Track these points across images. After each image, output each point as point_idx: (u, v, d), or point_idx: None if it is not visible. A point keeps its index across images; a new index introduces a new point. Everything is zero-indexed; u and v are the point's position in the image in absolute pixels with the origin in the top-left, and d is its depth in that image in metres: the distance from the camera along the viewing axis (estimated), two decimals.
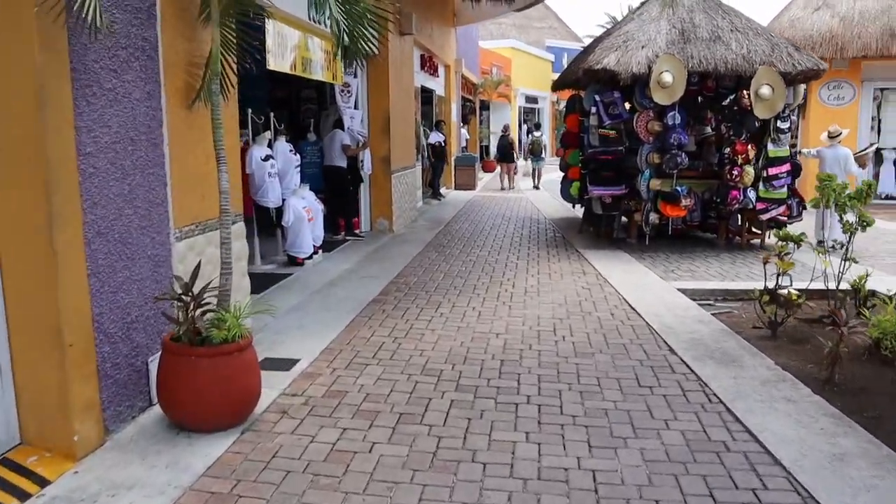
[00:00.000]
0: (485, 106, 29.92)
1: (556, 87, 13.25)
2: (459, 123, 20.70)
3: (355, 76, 10.55)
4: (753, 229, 10.81)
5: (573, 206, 13.12)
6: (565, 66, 40.09)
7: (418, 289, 7.54)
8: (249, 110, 8.25)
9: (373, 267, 8.65)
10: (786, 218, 10.38)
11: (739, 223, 10.58)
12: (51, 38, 3.38)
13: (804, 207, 10.53)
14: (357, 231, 10.71)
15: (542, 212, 14.44)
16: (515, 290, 7.56)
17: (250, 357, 4.15)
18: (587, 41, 44.76)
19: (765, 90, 9.59)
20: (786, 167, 10.26)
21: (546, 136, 38.37)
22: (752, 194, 10.06)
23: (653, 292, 7.44)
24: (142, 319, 4.18)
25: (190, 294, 3.98)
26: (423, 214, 13.76)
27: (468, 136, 22.29)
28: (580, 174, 11.36)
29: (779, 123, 10.08)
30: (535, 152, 20.55)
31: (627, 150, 10.08)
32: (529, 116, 37.88)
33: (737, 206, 10.05)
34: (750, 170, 9.98)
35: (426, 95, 17.07)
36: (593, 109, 9.83)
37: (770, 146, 10.20)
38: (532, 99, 36.66)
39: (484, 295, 7.31)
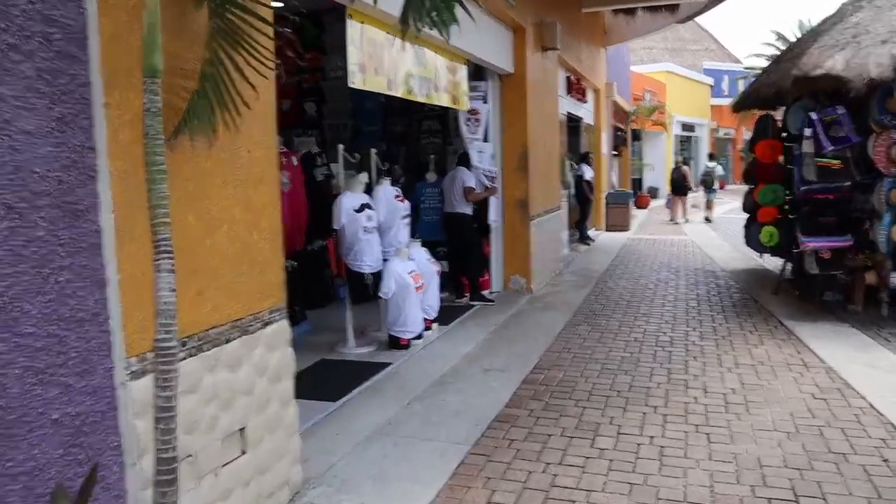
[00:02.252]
0: (637, 136, 27.15)
1: (740, 106, 10.57)
2: (610, 155, 18.20)
3: (485, 101, 8.50)
4: None
5: (759, 256, 10.34)
6: (725, 89, 36.71)
7: (564, 395, 5.22)
8: (340, 146, 6.35)
9: (502, 351, 6.43)
10: None
11: None
12: None
13: None
14: (485, 293, 8.56)
15: (715, 261, 11.67)
16: (710, 399, 5.08)
17: None
18: (750, 62, 40.95)
19: None
20: None
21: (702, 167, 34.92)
22: None
23: None
24: None
25: None
26: (568, 265, 11.41)
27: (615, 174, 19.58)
28: (780, 218, 8.70)
29: None
30: (708, 184, 19.22)
31: (855, 186, 7.33)
32: (686, 146, 34.62)
33: None
34: None
35: (572, 125, 14.79)
36: (808, 132, 7.17)
37: None
38: (689, 127, 33.41)
39: (664, 410, 4.88)
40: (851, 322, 7.25)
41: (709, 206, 19.11)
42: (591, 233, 15.30)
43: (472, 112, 8.29)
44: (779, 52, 32.06)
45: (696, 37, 43.00)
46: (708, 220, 18.68)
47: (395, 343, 6.39)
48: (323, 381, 5.57)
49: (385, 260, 6.43)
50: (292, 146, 7.39)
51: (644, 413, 4.81)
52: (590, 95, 15.46)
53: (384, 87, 5.50)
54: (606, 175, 17.26)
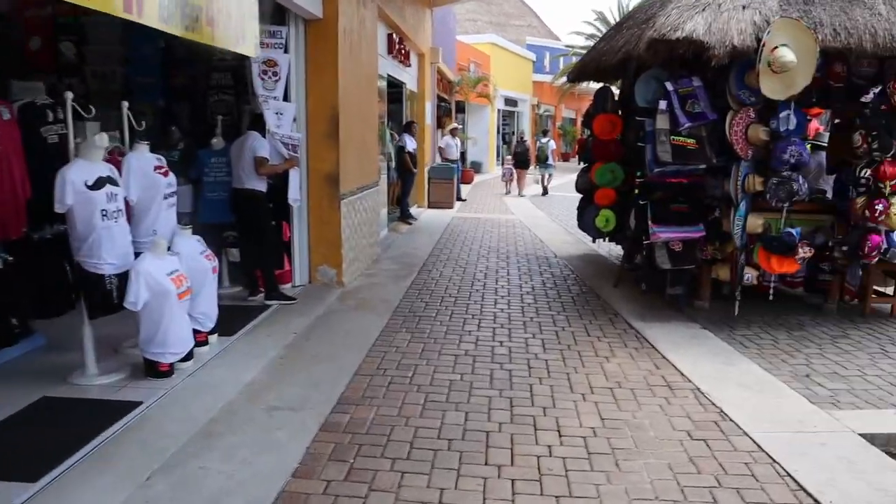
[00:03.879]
0: (460, 108, 26.26)
1: (577, 76, 9.63)
2: (434, 126, 16.99)
3: (285, 50, 6.81)
4: (877, 288, 7.34)
5: (593, 241, 9.52)
6: (547, 66, 36.86)
7: (376, 450, 3.76)
8: (69, 95, 4.44)
9: (298, 376, 4.88)
10: None
11: (860, 279, 7.01)
12: None
13: None
14: (285, 289, 6.95)
15: (546, 245, 10.76)
16: (568, 448, 3.86)
17: None
18: (573, 40, 41.53)
19: None
20: None
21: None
22: None
23: (833, 451, 3.83)
24: None
25: None
26: (387, 249, 10.02)
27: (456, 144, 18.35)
28: (618, 201, 7.86)
29: None
30: (542, 159, 20.21)
31: (708, 170, 6.48)
32: (508, 121, 34.44)
33: (876, 257, 6.51)
34: None
35: (395, 90, 13.36)
36: (662, 105, 6.17)
37: None
38: (512, 101, 33.15)
39: (511, 472, 3.56)
40: (702, 322, 6.44)
41: (545, 180, 20.25)
42: (413, 210, 14.03)
43: (269, 63, 6.58)
44: (599, 33, 32.64)
45: (520, 12, 43.03)
46: (545, 192, 19.70)
47: (153, 369, 4.65)
48: (29, 440, 3.77)
49: (138, 255, 4.67)
50: (7, 94, 5.35)
51: (485, 479, 3.49)
52: (414, 60, 14.08)
53: (157, 22, 3.66)
54: (430, 147, 16.03)
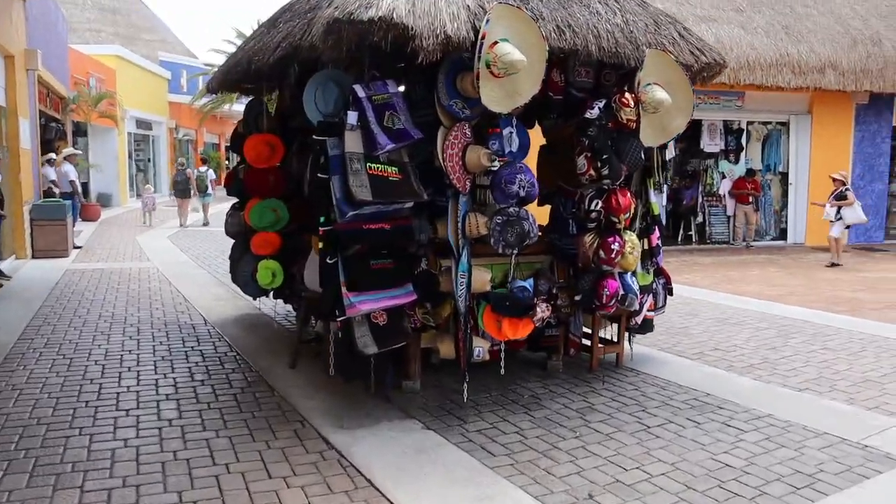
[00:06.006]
0: (81, 130, 22.03)
1: (219, 85, 7.36)
2: (36, 152, 13.24)
3: None
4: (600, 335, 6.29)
5: (255, 299, 7.37)
6: (185, 86, 33.38)
7: None
8: None
9: None
10: (652, 312, 6.04)
11: (582, 327, 5.86)
12: None
13: (671, 292, 6.29)
14: None
15: (193, 304, 8.23)
16: None
17: None
18: (212, 58, 38.45)
19: (660, 94, 5.06)
20: (656, 231, 5.91)
21: (164, 170, 31.19)
22: (633, 283, 5.45)
23: None
24: None
25: None
26: None
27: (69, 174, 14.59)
28: (285, 247, 5.94)
29: (666, 155, 5.71)
30: (201, 189, 19.25)
31: (415, 209, 4.73)
32: (142, 145, 30.41)
33: (615, 306, 5.35)
34: (636, 241, 5.36)
35: None
36: (352, 118, 4.24)
37: (652, 195, 5.77)
38: (145, 124, 29.23)
39: None
40: (421, 415, 4.67)
41: (204, 209, 19.43)
42: (6, 264, 10.40)
43: None
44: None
45: (151, 25, 38.85)
46: (206, 223, 18.80)
47: None
48: None
49: None
50: None
51: None
52: None
53: None
54: (31, 178, 12.33)
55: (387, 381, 4.97)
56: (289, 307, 7.56)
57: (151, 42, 36.82)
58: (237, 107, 30.72)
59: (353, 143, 4.19)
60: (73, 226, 13.73)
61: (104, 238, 15.07)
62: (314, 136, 4.30)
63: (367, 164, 4.18)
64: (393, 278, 4.49)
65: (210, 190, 19.65)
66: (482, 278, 4.65)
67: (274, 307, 7.89)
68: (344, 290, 4.21)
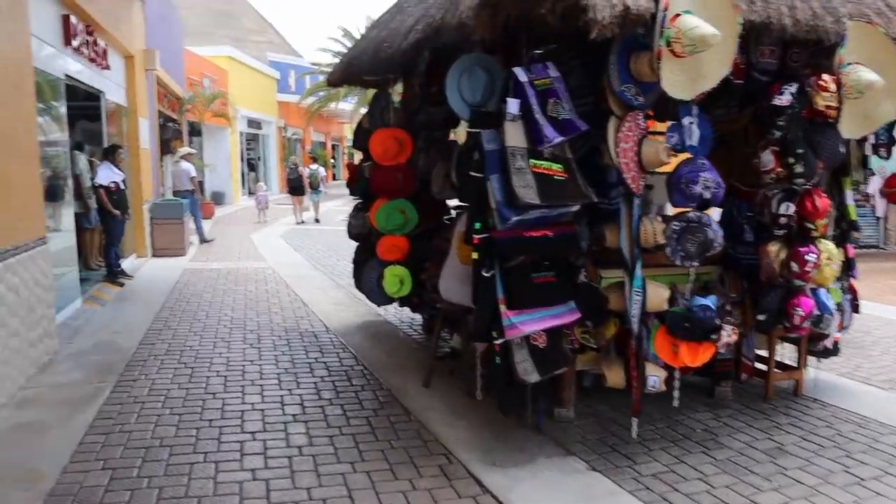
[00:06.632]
0: (195, 130, 22.49)
1: (341, 77, 6.92)
2: (155, 151, 13.37)
3: None
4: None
5: (377, 304, 6.89)
6: (292, 85, 33.81)
7: None
8: None
9: None
10: (839, 333, 5.15)
11: (755, 349, 5.06)
12: None
13: (857, 309, 5.37)
14: None
15: (314, 310, 7.85)
16: None
17: None
18: (318, 57, 38.92)
19: (868, 75, 4.22)
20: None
21: (273, 168, 31.73)
22: (829, 301, 4.62)
23: None
24: None
25: None
26: (76, 336, 6.53)
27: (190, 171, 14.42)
28: (412, 252, 5.43)
29: (866, 148, 4.87)
30: (314, 185, 19.83)
31: (578, 214, 4.09)
32: (253, 144, 31.00)
33: (808, 328, 4.55)
34: (834, 250, 4.54)
35: (88, 103, 9.72)
36: (513, 107, 3.64)
37: (849, 197, 4.92)
38: (256, 123, 29.77)
39: None
40: (580, 451, 4.04)
41: (315, 207, 19.78)
42: (128, 262, 10.42)
43: None
44: (345, 48, 30.35)
45: (260, 27, 39.66)
46: (316, 220, 19.30)
47: None
48: None
49: None
50: None
51: None
52: (117, 63, 10.52)
53: None
54: (151, 177, 12.41)
55: (539, 408, 4.35)
56: (416, 316, 7.05)
57: (260, 43, 37.58)
58: (343, 105, 30.91)
59: (514, 135, 3.58)
60: (197, 222, 13.84)
61: (219, 236, 15.13)
62: (468, 129, 3.71)
63: (531, 161, 3.56)
64: (556, 294, 3.86)
65: (321, 187, 20.25)
66: (660, 296, 3.95)
67: (397, 313, 7.42)
68: (503, 307, 3.61)
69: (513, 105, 3.59)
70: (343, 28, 38.98)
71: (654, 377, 4.04)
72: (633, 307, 3.85)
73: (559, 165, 3.74)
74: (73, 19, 7.68)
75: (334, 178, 40.41)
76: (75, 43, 7.83)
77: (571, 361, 4.17)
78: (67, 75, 7.63)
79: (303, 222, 18.87)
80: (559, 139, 3.60)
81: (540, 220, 3.69)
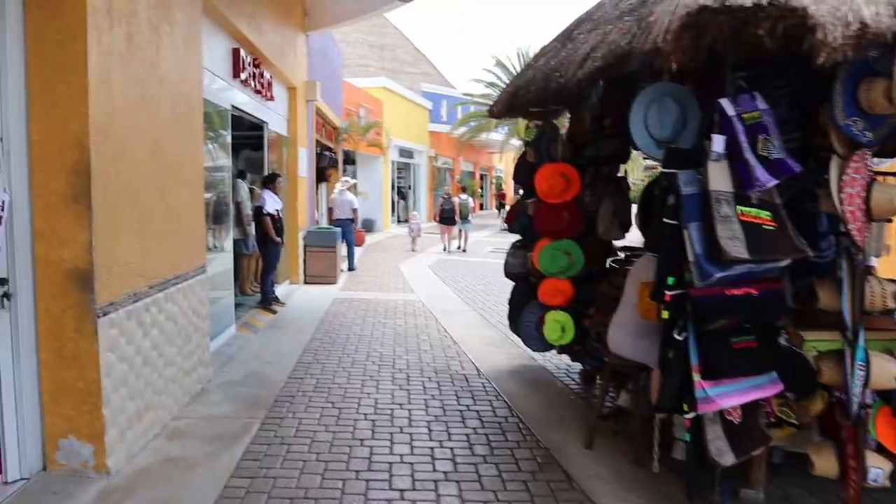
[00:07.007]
0: (349, 159, 23.10)
1: (504, 109, 6.59)
2: (311, 180, 13.68)
3: None
4: None
5: (534, 350, 6.42)
6: (444, 115, 34.25)
7: None
8: None
9: None
10: None
11: None
12: None
13: None
14: None
15: (464, 348, 7.52)
16: None
17: None
18: (471, 88, 39.31)
19: None
20: None
21: (423, 197, 32.14)
22: None
23: None
24: None
25: None
26: (228, 365, 6.55)
27: (353, 202, 14.57)
28: (576, 297, 4.94)
29: None
30: (463, 215, 20.05)
31: (787, 269, 3.48)
32: (404, 173, 31.58)
33: None
34: None
35: (252, 133, 10.01)
36: (718, 146, 3.12)
37: None
38: (407, 152, 30.31)
39: None
40: None
41: (463, 237, 20.08)
42: (281, 289, 10.59)
43: None
44: (499, 80, 30.35)
45: (414, 59, 40.72)
46: (463, 250, 19.57)
47: None
48: None
49: None
50: None
51: None
52: (281, 94, 10.81)
53: None
54: (307, 205, 12.67)
55: (725, 488, 3.73)
56: (573, 362, 6.55)
57: (414, 75, 38.53)
58: (494, 135, 30.90)
59: (719, 177, 3.06)
60: (350, 250, 14.06)
61: (369, 265, 15.25)
62: (662, 169, 3.22)
63: (738, 209, 3.02)
64: (758, 362, 3.26)
65: (470, 217, 20.39)
66: (888, 371, 3.26)
67: (552, 357, 6.94)
68: (697, 377, 3.07)
69: (718, 143, 3.08)
70: (496, 58, 39.20)
71: (878, 470, 3.33)
72: (856, 384, 3.18)
73: (767, 213, 3.17)
74: (242, 52, 7.87)
75: (482, 207, 40.49)
76: (243, 76, 8.02)
77: (769, 440, 3.53)
78: (234, 106, 7.81)
79: (450, 252, 19.00)
80: (773, 182, 3.05)
81: (743, 275, 3.13)
